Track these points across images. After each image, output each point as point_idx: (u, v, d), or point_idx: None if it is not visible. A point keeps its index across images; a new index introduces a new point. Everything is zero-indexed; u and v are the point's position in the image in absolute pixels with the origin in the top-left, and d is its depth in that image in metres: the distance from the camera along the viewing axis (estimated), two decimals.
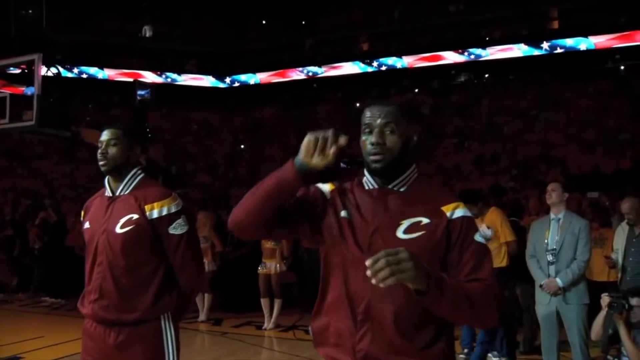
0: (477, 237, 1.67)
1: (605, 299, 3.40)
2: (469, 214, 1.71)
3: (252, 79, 24.11)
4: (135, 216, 2.41)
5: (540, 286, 4.41)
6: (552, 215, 4.47)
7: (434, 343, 1.65)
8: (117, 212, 2.45)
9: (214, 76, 24.38)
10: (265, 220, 1.68)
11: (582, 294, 4.32)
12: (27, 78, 6.12)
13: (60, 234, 9.69)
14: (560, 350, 4.49)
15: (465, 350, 5.48)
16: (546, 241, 4.40)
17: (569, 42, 19.54)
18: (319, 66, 23.00)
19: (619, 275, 4.83)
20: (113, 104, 21.33)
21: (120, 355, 2.39)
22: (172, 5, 22.59)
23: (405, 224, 1.66)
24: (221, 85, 24.50)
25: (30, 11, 7.23)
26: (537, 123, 17.21)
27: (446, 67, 21.48)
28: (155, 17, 23.00)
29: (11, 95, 6.18)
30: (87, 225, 2.54)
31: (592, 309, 4.00)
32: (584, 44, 19.32)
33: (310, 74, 23.24)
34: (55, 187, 16.11)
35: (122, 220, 2.41)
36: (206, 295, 7.42)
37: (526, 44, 20.13)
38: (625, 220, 4.80)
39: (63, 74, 7.45)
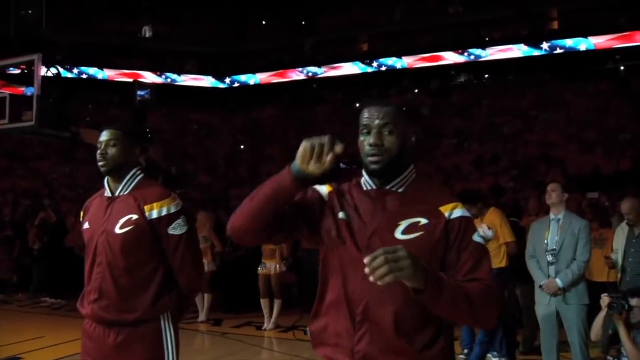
0: (476, 237, 1.67)
1: (605, 299, 3.40)
2: (467, 214, 1.71)
3: (252, 79, 24.07)
4: (135, 216, 2.41)
5: (540, 286, 4.41)
6: (551, 216, 4.47)
7: (433, 344, 1.65)
8: (116, 212, 2.45)
9: (213, 76, 24.34)
10: (264, 225, 1.68)
11: (581, 294, 4.32)
12: (26, 78, 6.12)
13: (60, 234, 9.69)
14: (560, 350, 4.49)
15: (465, 351, 5.48)
16: (546, 241, 4.40)
17: (569, 42, 19.50)
18: (319, 66, 22.96)
19: (619, 275, 4.84)
20: (113, 104, 21.28)
21: (119, 355, 2.39)
22: (172, 6, 22.56)
23: (404, 224, 1.66)
24: (221, 85, 24.46)
25: (30, 11, 7.21)
26: (536, 123, 17.16)
27: (446, 67, 21.43)
28: (155, 17, 22.97)
29: (11, 95, 6.18)
30: (86, 225, 2.55)
31: (592, 310, 4.00)
32: (583, 44, 19.29)
33: (310, 74, 23.21)
34: (55, 188, 16.10)
35: (122, 221, 2.42)
36: (206, 295, 7.43)
37: (526, 44, 20.09)
38: (625, 221, 4.81)
39: (63, 74, 7.44)
